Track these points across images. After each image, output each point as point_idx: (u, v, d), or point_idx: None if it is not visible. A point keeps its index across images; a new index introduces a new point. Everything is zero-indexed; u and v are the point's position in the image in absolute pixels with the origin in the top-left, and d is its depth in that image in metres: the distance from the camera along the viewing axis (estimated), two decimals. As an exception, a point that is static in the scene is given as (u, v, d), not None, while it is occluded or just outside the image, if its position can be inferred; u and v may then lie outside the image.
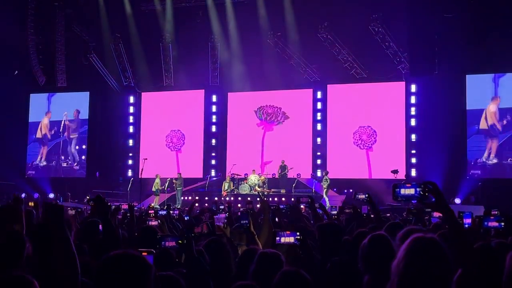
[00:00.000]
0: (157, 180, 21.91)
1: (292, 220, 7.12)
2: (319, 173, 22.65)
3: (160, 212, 8.92)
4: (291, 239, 3.61)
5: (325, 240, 4.45)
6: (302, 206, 8.92)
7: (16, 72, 25.91)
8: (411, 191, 3.04)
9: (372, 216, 9.46)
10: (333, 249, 4.57)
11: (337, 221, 8.05)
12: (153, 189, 21.80)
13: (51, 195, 23.83)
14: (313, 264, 3.63)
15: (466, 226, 5.53)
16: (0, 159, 23.91)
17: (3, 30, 24.05)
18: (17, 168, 25.39)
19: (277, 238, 3.59)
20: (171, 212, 8.95)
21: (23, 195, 22.61)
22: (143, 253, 2.93)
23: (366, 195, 6.38)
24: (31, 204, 8.19)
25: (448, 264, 2.60)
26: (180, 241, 3.47)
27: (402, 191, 3.07)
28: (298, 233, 3.60)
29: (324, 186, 20.51)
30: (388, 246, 3.46)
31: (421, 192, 3.00)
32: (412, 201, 3.15)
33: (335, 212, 9.19)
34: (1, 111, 24.56)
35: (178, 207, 18.28)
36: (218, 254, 4.29)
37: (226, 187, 21.94)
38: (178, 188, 21.96)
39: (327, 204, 18.31)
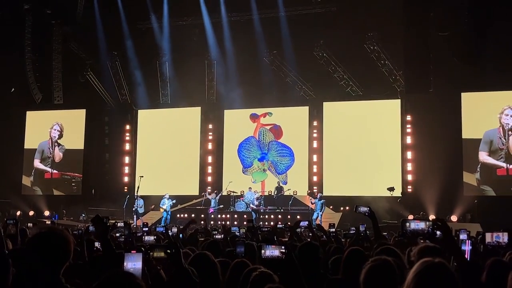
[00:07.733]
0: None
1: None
2: (315, 190, 22.57)
3: (159, 229, 8.91)
4: (276, 253, 3.62)
5: (304, 258, 4.44)
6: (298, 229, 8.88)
7: (13, 89, 25.91)
8: (421, 225, 3.05)
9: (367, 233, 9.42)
10: (311, 267, 4.57)
11: (335, 240, 8.04)
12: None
13: (47, 213, 23.69)
14: (299, 279, 3.62)
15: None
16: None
17: (0, 47, 24.14)
18: (13, 185, 25.20)
19: (262, 251, 3.59)
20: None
21: (18, 212, 22.53)
22: (133, 251, 3.24)
23: (368, 209, 6.35)
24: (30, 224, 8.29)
25: None
26: (169, 251, 3.46)
27: (412, 225, 3.08)
28: (283, 247, 3.61)
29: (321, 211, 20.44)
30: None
31: (430, 228, 3.01)
32: (420, 238, 3.16)
33: (333, 230, 9.14)
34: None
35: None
36: (205, 268, 4.27)
37: (212, 204, 21.77)
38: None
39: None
